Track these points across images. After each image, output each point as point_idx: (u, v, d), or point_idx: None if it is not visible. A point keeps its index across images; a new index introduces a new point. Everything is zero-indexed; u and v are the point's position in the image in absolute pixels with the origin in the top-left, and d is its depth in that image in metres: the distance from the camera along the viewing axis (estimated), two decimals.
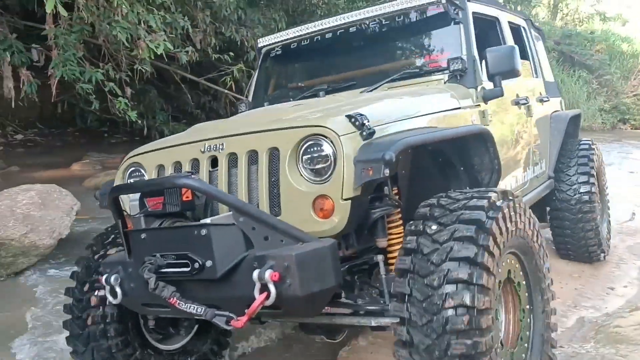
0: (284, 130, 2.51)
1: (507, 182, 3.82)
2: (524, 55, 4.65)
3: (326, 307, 2.59)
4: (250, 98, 4.35)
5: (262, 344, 3.82)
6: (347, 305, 2.61)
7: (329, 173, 2.38)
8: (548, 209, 4.93)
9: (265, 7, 9.65)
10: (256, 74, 4.48)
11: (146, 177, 2.91)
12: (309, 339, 3.63)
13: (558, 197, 4.82)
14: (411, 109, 2.91)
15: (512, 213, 2.46)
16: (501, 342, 2.45)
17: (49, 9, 5.53)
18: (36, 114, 10.60)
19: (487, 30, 4.10)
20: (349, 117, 2.41)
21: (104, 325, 3.03)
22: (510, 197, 2.55)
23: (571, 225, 4.78)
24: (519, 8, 18.67)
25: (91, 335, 3.06)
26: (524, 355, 2.60)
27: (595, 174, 4.90)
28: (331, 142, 2.35)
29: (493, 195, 2.45)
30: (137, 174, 3.00)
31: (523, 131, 4.21)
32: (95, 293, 3.02)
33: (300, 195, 2.42)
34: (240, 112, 4.22)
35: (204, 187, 2.44)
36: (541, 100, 4.74)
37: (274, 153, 2.49)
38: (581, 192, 4.74)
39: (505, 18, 4.36)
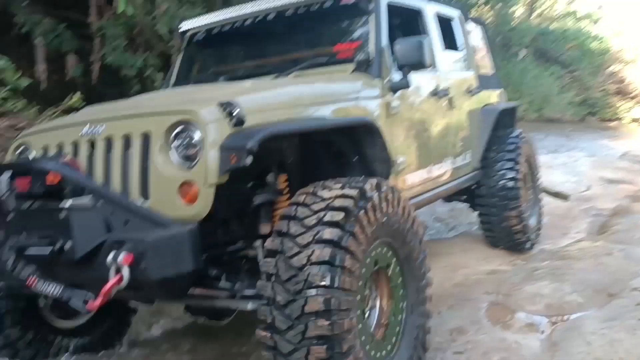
0: (156, 116, 2.56)
1: (420, 172, 3.86)
2: (454, 47, 4.72)
3: (206, 290, 2.70)
4: (172, 82, 4.33)
5: (165, 329, 3.80)
6: (224, 289, 2.67)
7: (196, 156, 2.40)
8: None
9: None
10: (179, 57, 4.46)
11: (31, 157, 2.92)
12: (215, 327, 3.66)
13: (484, 184, 4.85)
14: (300, 98, 2.94)
15: (384, 203, 2.54)
16: (370, 330, 2.53)
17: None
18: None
19: (410, 21, 4.16)
20: (221, 104, 2.43)
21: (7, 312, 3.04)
22: (384, 188, 2.60)
23: (496, 212, 4.80)
24: (497, 6, 20.01)
25: None
26: (395, 339, 2.67)
27: (521, 162, 4.90)
28: (199, 128, 2.39)
29: (366, 185, 2.51)
30: (25, 153, 3.01)
31: (441, 123, 4.19)
32: None
33: (167, 180, 2.44)
34: None
35: (62, 170, 2.47)
36: (470, 93, 4.72)
37: (145, 137, 2.51)
38: (505, 179, 4.76)
39: (431, 9, 4.35)
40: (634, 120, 18.91)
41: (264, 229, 2.71)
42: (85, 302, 2.36)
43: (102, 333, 3.41)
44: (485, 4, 17.64)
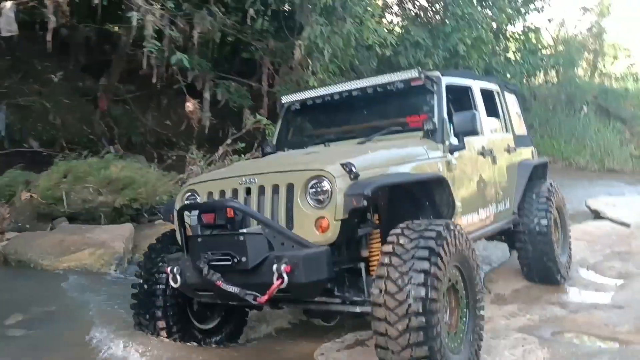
0: (297, 172, 3.47)
1: (470, 216, 4.61)
2: (496, 114, 5.58)
3: (322, 298, 3.54)
4: (274, 141, 5.26)
5: (273, 329, 4.72)
6: (338, 296, 3.55)
7: (327, 202, 3.30)
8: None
9: None
10: (279, 122, 5.40)
11: (199, 201, 3.80)
12: (309, 328, 4.54)
13: (522, 228, 5.52)
14: (390, 159, 3.85)
15: (454, 240, 3.30)
16: (447, 329, 3.27)
17: None
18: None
19: (462, 96, 5.03)
20: (342, 164, 3.35)
21: (164, 305, 3.98)
22: (452, 228, 3.36)
23: (532, 251, 5.49)
24: (561, 69, 22.12)
25: (152, 309, 4.00)
26: (460, 337, 3.45)
27: (553, 210, 5.60)
28: (329, 181, 3.30)
29: (440, 227, 3.28)
30: (192, 198, 3.91)
31: (487, 176, 4.99)
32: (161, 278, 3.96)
33: (307, 216, 3.34)
34: (266, 152, 5.14)
35: (244, 208, 3.43)
36: (508, 151, 5.52)
37: (290, 186, 3.43)
38: (540, 225, 5.44)
39: (477, 85, 5.27)
40: None
41: (364, 253, 3.61)
42: (255, 298, 3.25)
43: (226, 332, 4.37)
44: (552, 67, 19.95)
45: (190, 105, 10.28)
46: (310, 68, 8.93)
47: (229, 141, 9.05)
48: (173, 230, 4.03)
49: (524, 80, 19.00)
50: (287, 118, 5.33)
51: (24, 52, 11.85)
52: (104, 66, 12.77)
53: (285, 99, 5.31)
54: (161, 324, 3.99)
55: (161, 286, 3.96)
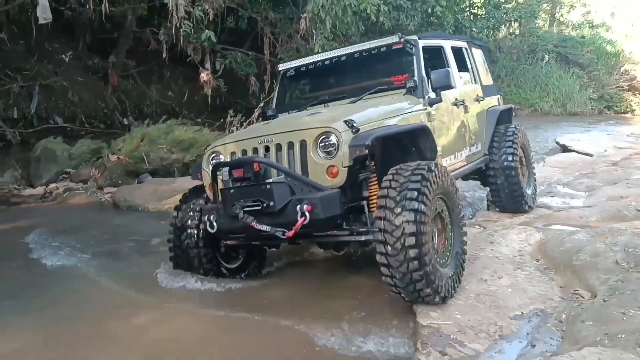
0: (308, 130, 4.01)
1: (448, 158, 5.14)
2: (465, 68, 6.05)
3: (334, 232, 4.11)
4: (274, 105, 5.70)
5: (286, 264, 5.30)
6: (346, 229, 4.11)
7: (335, 153, 3.86)
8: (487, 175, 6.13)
9: None
10: (277, 88, 5.84)
11: (223, 160, 4.31)
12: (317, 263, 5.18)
13: (492, 166, 6.02)
14: (382, 114, 4.37)
15: (437, 177, 3.79)
16: (435, 248, 3.78)
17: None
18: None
19: (436, 55, 5.51)
20: (345, 121, 3.92)
21: (197, 244, 4.54)
22: (434, 168, 3.83)
23: (501, 186, 6.02)
24: (522, 21, 23.68)
25: (186, 248, 4.57)
26: (447, 255, 3.97)
27: (518, 149, 6.07)
28: (336, 136, 3.85)
29: (425, 168, 3.77)
30: (216, 158, 4.42)
31: (460, 123, 5.49)
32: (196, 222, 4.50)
33: (319, 165, 3.91)
34: (268, 115, 5.57)
35: (270, 162, 3.98)
36: (477, 100, 5.99)
37: (303, 142, 3.98)
38: (507, 161, 5.95)
39: (448, 45, 5.74)
40: None
41: (365, 193, 4.11)
42: (283, 233, 3.78)
43: (249, 270, 4.94)
44: (515, 20, 21.58)
45: (204, 75, 11.48)
46: (314, 37, 10.16)
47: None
48: (197, 187, 4.72)
49: (490, 34, 20.64)
50: (284, 83, 5.79)
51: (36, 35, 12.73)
52: (108, 45, 13.80)
53: (282, 67, 5.78)
54: (196, 264, 4.58)
55: (194, 232, 4.53)
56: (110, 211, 6.72)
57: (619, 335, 3.03)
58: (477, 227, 5.72)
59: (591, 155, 10.22)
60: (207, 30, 9.44)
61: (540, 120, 19.19)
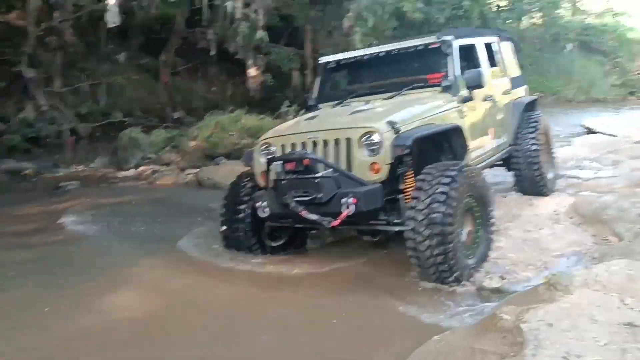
0: (353, 129, 4.31)
1: (478, 151, 5.34)
2: (495, 63, 6.17)
3: (372, 221, 4.42)
4: (315, 95, 5.94)
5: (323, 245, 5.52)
6: (383, 219, 4.39)
7: (378, 151, 4.15)
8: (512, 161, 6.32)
9: None
10: (318, 79, 6.12)
11: (275, 152, 4.64)
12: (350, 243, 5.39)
13: (516, 153, 6.23)
14: (420, 113, 4.61)
15: (466, 177, 4.08)
16: (462, 241, 4.08)
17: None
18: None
19: (469, 51, 5.64)
20: (388, 121, 4.21)
21: (245, 227, 4.93)
22: (465, 169, 4.16)
23: (523, 170, 6.21)
24: (545, 11, 24.37)
25: (237, 230, 4.98)
26: (475, 246, 4.27)
27: (540, 135, 6.27)
28: (379, 135, 4.15)
29: (454, 168, 4.09)
30: (267, 149, 4.76)
31: (489, 117, 5.68)
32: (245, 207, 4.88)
33: (363, 162, 4.21)
34: (309, 105, 5.89)
35: (320, 158, 4.26)
36: (505, 93, 6.19)
37: (348, 140, 4.27)
38: (529, 147, 6.15)
39: (480, 42, 5.93)
40: None
41: (401, 187, 4.32)
42: (330, 222, 4.15)
43: (292, 248, 5.24)
44: (538, 11, 22.28)
45: (253, 70, 12.51)
46: (357, 34, 11.09)
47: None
48: (246, 172, 5.12)
49: (514, 25, 21.37)
50: (325, 75, 6.07)
51: (91, 37, 13.87)
52: (158, 45, 14.90)
53: (323, 59, 6.09)
54: (246, 242, 4.98)
55: (244, 213, 4.92)
56: (196, 188, 7.79)
57: None
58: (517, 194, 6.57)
59: (615, 136, 11.00)
60: (260, 31, 10.41)
61: (565, 107, 19.81)
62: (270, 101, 13.79)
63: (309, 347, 3.34)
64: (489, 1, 19.14)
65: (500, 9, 19.89)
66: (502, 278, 4.17)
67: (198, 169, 8.32)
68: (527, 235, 5.03)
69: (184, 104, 14.68)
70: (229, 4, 9.77)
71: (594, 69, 22.42)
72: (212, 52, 13.00)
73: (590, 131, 11.95)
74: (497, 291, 3.99)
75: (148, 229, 6.29)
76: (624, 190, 6.40)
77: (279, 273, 4.70)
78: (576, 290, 3.14)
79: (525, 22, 23.63)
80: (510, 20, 19.96)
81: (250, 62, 13.24)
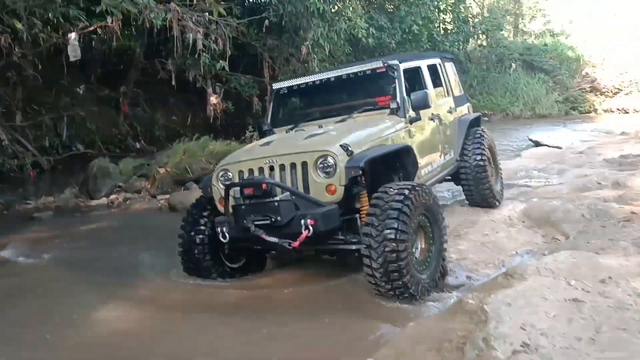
0: (309, 153, 4.45)
1: (427, 168, 5.66)
2: (439, 83, 6.48)
3: (330, 241, 4.54)
4: (268, 120, 6.04)
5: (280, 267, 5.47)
6: (341, 239, 4.54)
7: (333, 173, 4.31)
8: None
9: None
10: (271, 104, 6.26)
11: (233, 178, 4.72)
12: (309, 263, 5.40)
13: (464, 167, 6.49)
14: (370, 135, 4.81)
15: (418, 196, 4.23)
16: (416, 257, 4.25)
17: None
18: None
19: (414, 74, 5.91)
20: (341, 145, 4.38)
21: (203, 250, 4.96)
22: (417, 188, 4.32)
23: (472, 185, 6.50)
24: (489, 33, 25.63)
25: (195, 254, 4.98)
26: (428, 261, 4.38)
27: (486, 150, 6.54)
28: (334, 158, 4.31)
29: (407, 188, 4.24)
30: (225, 175, 4.83)
31: (436, 136, 5.95)
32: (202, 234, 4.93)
33: (319, 184, 4.36)
34: (263, 129, 5.96)
35: (277, 183, 4.38)
36: (450, 112, 6.49)
37: (304, 163, 4.41)
38: (476, 162, 6.43)
39: (425, 64, 6.19)
40: (605, 110, 23.63)
41: (357, 206, 4.49)
42: (290, 244, 4.22)
43: (251, 270, 5.29)
44: (482, 33, 23.48)
45: (213, 99, 12.82)
46: (314, 60, 11.61)
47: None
48: (202, 197, 5.17)
49: (461, 47, 22.43)
50: (277, 101, 6.18)
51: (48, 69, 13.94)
52: (117, 76, 15.08)
53: (276, 85, 6.19)
54: (205, 265, 5.00)
55: (202, 237, 4.95)
56: (168, 213, 8.00)
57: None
58: None
59: (560, 148, 11.81)
60: (220, 60, 10.79)
61: (513, 123, 20.84)
62: (232, 127, 14.12)
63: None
64: (436, 25, 20.07)
65: (447, 32, 20.89)
66: (467, 277, 4.62)
67: (169, 195, 8.58)
68: (485, 238, 5.52)
69: (145, 134, 14.82)
70: (190, 35, 10.06)
71: (537, 87, 23.66)
72: (173, 82, 13.20)
73: (537, 144, 12.75)
74: (462, 286, 4.43)
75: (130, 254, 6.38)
76: (569, 195, 7.01)
77: (241, 294, 4.81)
78: (529, 277, 3.60)
79: (472, 44, 24.77)
80: (457, 44, 20.94)
81: (209, 90, 13.55)
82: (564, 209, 5.94)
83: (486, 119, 19.57)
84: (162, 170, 9.02)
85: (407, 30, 15.78)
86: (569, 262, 3.79)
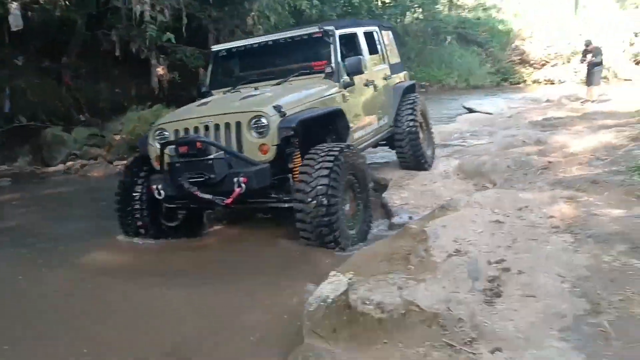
0: (243, 113, 4.54)
1: (361, 132, 5.86)
2: (376, 50, 6.68)
3: (263, 198, 4.70)
4: (207, 83, 6.14)
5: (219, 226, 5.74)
6: (274, 197, 4.72)
7: (266, 133, 4.42)
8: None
9: None
10: (210, 67, 6.35)
11: (169, 138, 4.76)
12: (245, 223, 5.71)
13: (397, 132, 6.76)
14: (304, 97, 4.95)
15: (348, 156, 4.50)
16: (345, 214, 4.53)
17: None
18: None
19: (350, 40, 6.10)
20: (274, 106, 4.50)
21: (141, 208, 5.05)
22: (347, 149, 4.57)
23: (405, 149, 6.78)
24: (425, 7, 26.49)
25: (132, 212, 5.07)
26: (357, 216, 4.76)
27: (418, 116, 6.85)
28: (267, 118, 4.42)
29: (337, 148, 4.47)
30: (161, 134, 4.88)
31: (370, 101, 6.15)
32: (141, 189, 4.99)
33: (253, 144, 4.46)
34: (202, 91, 6.04)
35: (211, 141, 4.48)
36: (385, 78, 6.68)
37: (238, 123, 4.49)
38: (409, 127, 6.72)
39: (361, 31, 6.36)
40: (534, 81, 25.00)
41: (290, 166, 4.65)
42: (223, 201, 4.39)
43: (188, 229, 5.41)
44: (419, 7, 24.32)
45: (160, 70, 12.99)
46: (260, 31, 11.97)
47: None
48: (139, 157, 5.29)
49: (398, 20, 23.19)
50: (216, 63, 6.26)
51: None
52: (59, 47, 14.88)
53: (215, 47, 6.32)
54: (141, 223, 5.06)
55: (139, 195, 5.03)
56: None
57: None
58: None
59: (491, 114, 12.77)
60: (167, 33, 10.98)
61: (448, 93, 21.87)
62: (178, 99, 14.28)
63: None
64: None
65: (385, 5, 21.56)
66: (409, 217, 5.28)
67: (125, 160, 8.89)
68: (424, 188, 6.21)
69: (89, 106, 14.78)
70: (137, 7, 10.21)
71: (471, 59, 24.73)
72: (117, 54, 13.25)
73: (470, 111, 13.70)
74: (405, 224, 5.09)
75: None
76: (497, 151, 7.81)
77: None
78: (462, 208, 4.27)
79: (409, 17, 25.56)
80: (395, 16, 21.67)
81: (154, 62, 13.68)
82: (492, 162, 6.69)
83: (423, 89, 20.50)
84: (117, 137, 9.28)
85: (347, 3, 16.30)
86: (494, 197, 4.49)
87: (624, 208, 4.07)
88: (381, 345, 2.52)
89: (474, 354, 2.36)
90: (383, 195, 5.87)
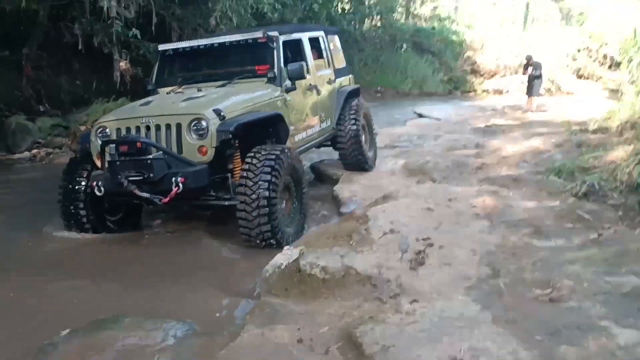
0: (183, 115, 4.70)
1: (303, 134, 6.06)
2: (320, 55, 6.87)
3: (205, 198, 4.94)
4: (153, 80, 6.20)
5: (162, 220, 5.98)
6: (213, 196, 4.92)
7: (205, 135, 4.59)
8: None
9: None
10: (157, 65, 6.40)
11: (111, 136, 4.88)
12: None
13: (340, 135, 6.99)
14: (245, 101, 5.11)
15: (286, 158, 4.69)
16: (283, 213, 4.75)
17: None
18: None
19: (296, 45, 6.27)
20: (214, 110, 4.65)
21: (84, 207, 5.20)
22: (287, 151, 4.77)
23: (347, 150, 7.02)
24: (383, 15, 27.32)
25: (73, 206, 5.21)
26: (293, 215, 4.97)
27: (360, 119, 7.09)
28: (206, 121, 4.59)
29: (278, 150, 4.69)
30: (103, 132, 4.98)
31: (312, 105, 6.33)
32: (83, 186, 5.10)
33: (192, 145, 4.64)
34: (148, 89, 6.14)
35: (151, 142, 4.61)
36: (329, 82, 6.86)
37: (178, 125, 4.67)
38: (351, 130, 6.96)
39: (306, 37, 6.48)
40: (483, 91, 25.58)
41: (229, 167, 4.89)
42: (160, 200, 4.59)
43: (129, 222, 5.63)
44: (377, 14, 25.10)
45: (123, 64, 13.23)
46: (222, 31, 12.39)
47: None
48: (82, 152, 5.37)
49: (357, 26, 23.91)
50: (163, 62, 6.34)
51: None
52: (18, 38, 14.92)
53: (162, 47, 6.41)
54: (84, 218, 5.23)
55: (81, 190, 5.16)
56: None
57: None
58: None
59: (439, 119, 13.56)
60: (133, 29, 11.31)
61: (403, 99, 22.57)
62: (139, 94, 14.52)
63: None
64: (335, 4, 21.35)
65: (345, 11, 22.25)
66: (356, 207, 5.88)
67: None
68: (371, 182, 6.82)
69: (49, 98, 14.88)
70: (104, 3, 10.51)
71: (425, 67, 25.49)
72: (80, 47, 13.45)
73: (421, 116, 14.46)
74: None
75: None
76: (440, 153, 8.54)
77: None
78: (400, 198, 4.91)
79: (367, 24, 26.29)
80: (354, 23, 22.38)
81: (116, 56, 13.91)
82: (434, 162, 7.39)
83: (379, 95, 21.24)
84: (82, 128, 9.57)
85: (308, 8, 16.87)
86: (429, 189, 5.16)
87: (535, 201, 4.79)
88: (324, 299, 3.09)
89: (397, 304, 2.95)
90: (334, 188, 6.45)
